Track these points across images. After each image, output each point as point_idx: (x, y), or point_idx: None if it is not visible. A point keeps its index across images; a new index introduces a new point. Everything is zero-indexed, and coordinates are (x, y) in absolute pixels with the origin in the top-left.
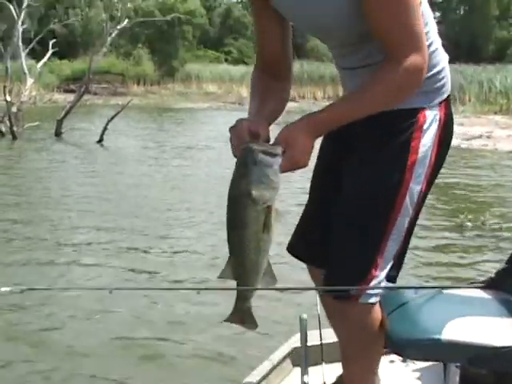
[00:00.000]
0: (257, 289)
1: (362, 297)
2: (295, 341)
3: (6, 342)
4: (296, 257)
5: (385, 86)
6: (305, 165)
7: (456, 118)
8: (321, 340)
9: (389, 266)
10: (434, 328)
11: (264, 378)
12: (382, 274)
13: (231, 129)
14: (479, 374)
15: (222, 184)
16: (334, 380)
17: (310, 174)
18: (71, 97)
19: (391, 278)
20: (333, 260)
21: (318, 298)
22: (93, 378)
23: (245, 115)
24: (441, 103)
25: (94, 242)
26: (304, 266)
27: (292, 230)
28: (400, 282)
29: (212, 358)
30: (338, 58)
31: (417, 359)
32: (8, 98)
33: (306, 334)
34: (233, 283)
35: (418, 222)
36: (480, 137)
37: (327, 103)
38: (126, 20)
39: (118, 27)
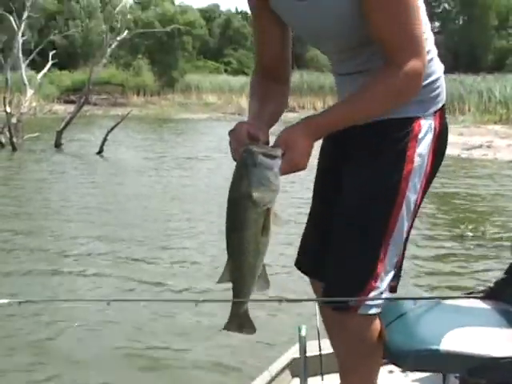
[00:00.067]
0: (254, 301)
1: (361, 308)
2: (294, 351)
3: (5, 352)
4: (302, 271)
5: (385, 90)
6: (304, 167)
7: (456, 128)
8: (320, 351)
9: (389, 277)
10: (433, 339)
11: None
12: (382, 285)
13: (231, 132)
14: None
15: (222, 194)
16: None
17: (310, 185)
18: (71, 107)
19: (391, 288)
20: (332, 270)
21: (317, 309)
22: None
23: None
24: (436, 113)
25: (94, 252)
26: (306, 277)
27: (293, 240)
28: (399, 291)
29: (212, 368)
30: (336, 64)
31: (416, 370)
32: (8, 109)
33: (305, 344)
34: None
35: (419, 231)
36: (480, 147)
37: None
38: (126, 31)
39: (118, 38)
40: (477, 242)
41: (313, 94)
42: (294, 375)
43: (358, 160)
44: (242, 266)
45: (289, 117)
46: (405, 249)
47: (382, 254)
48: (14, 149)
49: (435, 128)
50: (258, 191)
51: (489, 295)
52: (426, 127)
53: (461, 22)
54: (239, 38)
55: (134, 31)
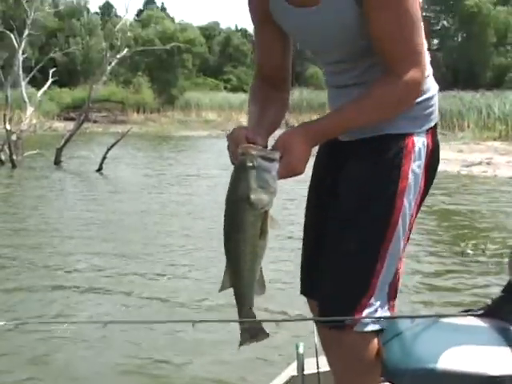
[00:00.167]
0: (249, 320)
1: (357, 325)
2: (292, 369)
3: (4, 368)
4: (305, 295)
5: (384, 97)
6: (301, 172)
7: (455, 145)
8: (318, 368)
9: (384, 294)
10: (430, 357)
11: None
12: (377, 302)
13: (229, 136)
14: None
15: (222, 211)
16: None
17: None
18: (71, 125)
19: (389, 306)
20: (326, 288)
21: (315, 327)
22: None
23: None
24: (428, 131)
25: (94, 268)
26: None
27: (293, 256)
28: (398, 308)
29: None
30: (332, 76)
31: None
32: (8, 127)
33: (303, 362)
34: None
35: (420, 248)
36: (480, 163)
37: None
38: (126, 49)
39: (118, 56)
40: (477, 258)
41: (312, 112)
42: None
43: (352, 174)
44: (240, 269)
45: None
46: (400, 267)
47: (377, 271)
48: (14, 166)
49: (428, 145)
50: (255, 193)
51: (487, 313)
52: (420, 144)
53: (459, 39)
54: (239, 55)
55: (134, 49)
